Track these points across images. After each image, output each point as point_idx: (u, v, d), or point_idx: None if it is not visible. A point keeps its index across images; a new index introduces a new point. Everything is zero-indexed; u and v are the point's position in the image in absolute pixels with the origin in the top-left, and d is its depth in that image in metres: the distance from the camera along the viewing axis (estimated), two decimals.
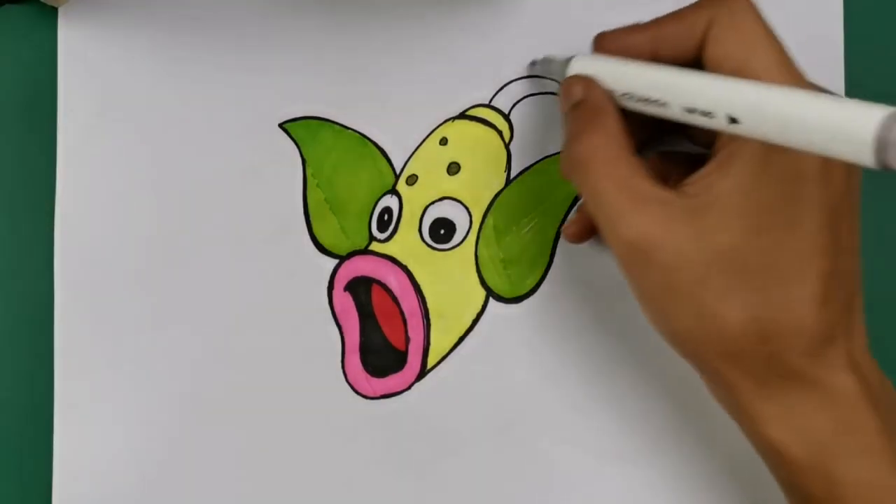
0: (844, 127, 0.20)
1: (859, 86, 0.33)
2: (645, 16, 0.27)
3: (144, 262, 0.33)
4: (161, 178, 0.33)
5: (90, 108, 0.33)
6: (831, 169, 0.24)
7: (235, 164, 0.33)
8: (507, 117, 0.33)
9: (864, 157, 0.19)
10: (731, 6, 0.25)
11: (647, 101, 0.25)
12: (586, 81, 0.27)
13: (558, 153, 0.33)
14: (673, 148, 0.29)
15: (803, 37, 0.33)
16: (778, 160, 0.23)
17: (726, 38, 0.24)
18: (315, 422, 0.33)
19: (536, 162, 0.33)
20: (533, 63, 0.33)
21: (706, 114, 0.23)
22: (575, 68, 0.28)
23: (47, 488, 0.33)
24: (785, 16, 0.33)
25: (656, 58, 0.26)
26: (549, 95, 0.33)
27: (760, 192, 0.23)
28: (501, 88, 0.33)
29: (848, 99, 0.20)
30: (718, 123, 0.23)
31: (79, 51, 0.33)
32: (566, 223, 0.29)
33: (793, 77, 0.24)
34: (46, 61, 0.34)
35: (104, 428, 0.33)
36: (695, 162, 0.25)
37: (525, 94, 0.33)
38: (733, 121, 0.22)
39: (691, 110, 0.24)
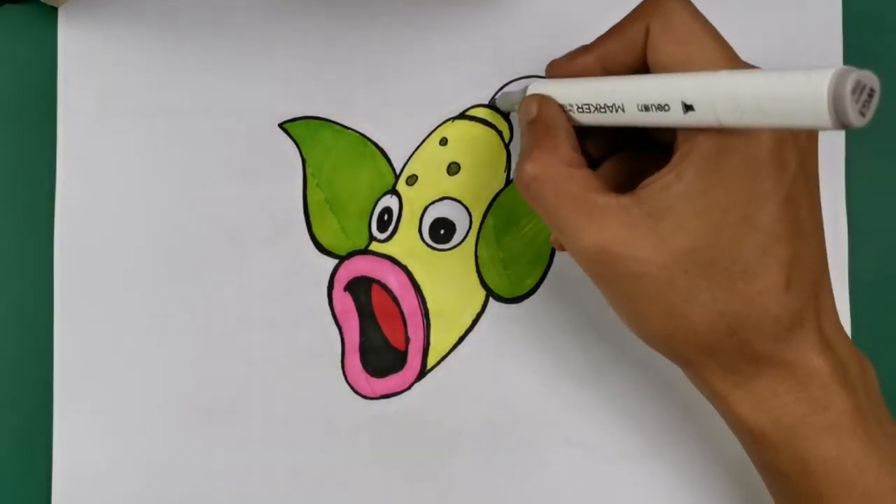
0: (797, 92, 0.20)
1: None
2: None
3: (144, 262, 0.33)
4: (161, 178, 0.33)
5: (90, 108, 0.33)
6: (783, 158, 0.24)
7: (235, 164, 0.33)
8: (507, 117, 0.33)
9: (821, 118, 0.19)
10: (663, 9, 0.25)
11: (603, 108, 0.25)
12: (541, 99, 0.27)
13: None
14: (635, 153, 0.29)
15: (803, 37, 0.33)
16: (730, 158, 0.23)
17: (664, 41, 0.25)
18: (315, 422, 0.33)
19: None
20: (493, 101, 0.33)
21: (661, 107, 0.23)
22: (531, 91, 0.28)
23: (47, 488, 0.33)
24: (785, 16, 0.33)
25: (607, 74, 0.27)
26: None
27: (715, 190, 0.24)
28: (501, 88, 0.33)
29: (794, 69, 0.20)
30: (675, 116, 0.23)
31: (79, 51, 0.33)
32: (553, 235, 0.29)
33: (737, 66, 0.24)
34: (46, 61, 0.34)
35: (104, 428, 0.33)
36: (659, 164, 0.26)
37: (525, 95, 0.33)
38: (688, 108, 0.23)
39: (647, 107, 0.24)
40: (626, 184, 0.27)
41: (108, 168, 0.33)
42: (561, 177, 0.25)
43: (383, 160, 0.34)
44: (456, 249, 0.33)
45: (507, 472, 0.33)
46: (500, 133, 0.33)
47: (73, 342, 0.33)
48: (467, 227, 0.33)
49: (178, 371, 0.33)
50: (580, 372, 0.33)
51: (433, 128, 0.34)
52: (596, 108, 0.26)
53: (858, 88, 0.19)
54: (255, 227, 0.33)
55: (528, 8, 0.33)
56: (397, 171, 0.34)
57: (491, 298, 0.33)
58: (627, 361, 0.33)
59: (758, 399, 0.25)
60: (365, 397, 0.33)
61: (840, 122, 0.19)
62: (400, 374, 0.33)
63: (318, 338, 0.33)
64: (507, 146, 0.33)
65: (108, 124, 0.33)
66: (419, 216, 0.33)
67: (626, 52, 0.26)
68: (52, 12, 0.33)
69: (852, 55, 0.33)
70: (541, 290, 0.33)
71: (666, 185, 0.24)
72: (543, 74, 0.33)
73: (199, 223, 0.33)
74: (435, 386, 0.33)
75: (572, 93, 0.27)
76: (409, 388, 0.33)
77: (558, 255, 0.33)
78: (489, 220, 0.33)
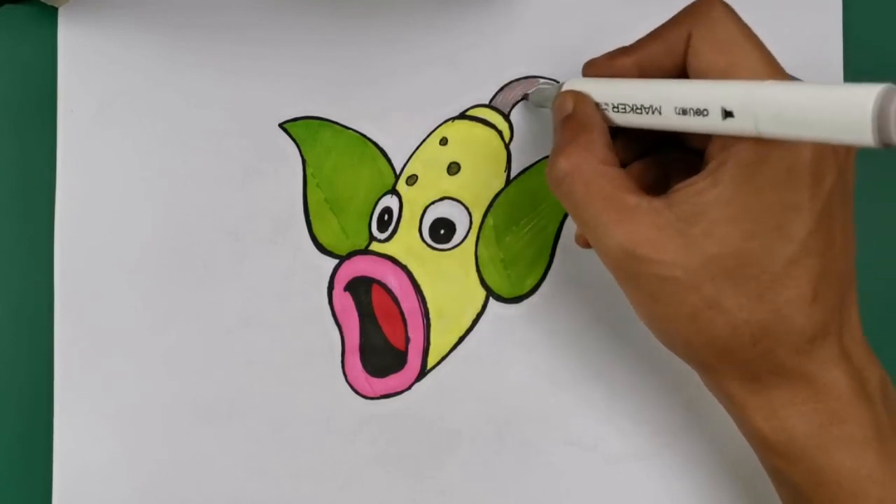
0: (841, 106, 0.19)
1: None
2: (644, 15, 0.27)
3: (144, 262, 0.33)
4: (161, 178, 0.33)
5: (90, 108, 0.33)
6: (822, 170, 0.24)
7: (235, 164, 0.34)
8: (507, 117, 0.33)
9: (864, 135, 0.19)
10: (707, 16, 0.25)
11: (640, 109, 0.25)
12: (577, 96, 0.27)
13: None
14: (665, 155, 0.29)
15: (803, 37, 0.33)
16: (768, 167, 0.23)
17: (706, 48, 0.25)
18: (315, 422, 0.33)
19: (536, 162, 0.33)
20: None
21: (700, 112, 0.23)
22: (567, 88, 0.28)
23: (47, 488, 0.33)
24: (785, 16, 0.33)
25: (645, 77, 0.27)
26: None
27: (750, 199, 0.23)
28: (502, 89, 0.33)
29: (840, 83, 0.20)
30: (713, 122, 0.23)
31: (79, 51, 0.33)
32: (577, 232, 0.29)
33: (780, 76, 0.24)
34: (46, 61, 0.34)
35: (104, 428, 0.33)
36: (688, 170, 0.26)
37: (525, 95, 0.33)
38: (728, 115, 0.22)
39: (685, 111, 0.24)
40: (654, 186, 0.26)
41: (108, 168, 0.33)
42: (593, 174, 0.25)
43: (383, 160, 0.34)
44: (456, 249, 0.33)
45: (507, 471, 0.33)
46: (500, 133, 0.33)
47: (73, 342, 0.33)
48: (467, 227, 0.33)
49: (178, 371, 0.33)
50: (580, 372, 0.33)
51: (433, 128, 0.34)
52: (632, 109, 0.25)
53: None
54: (256, 227, 0.33)
55: (527, 8, 0.33)
56: (397, 171, 0.34)
57: (491, 298, 0.33)
58: (627, 361, 0.33)
59: (774, 408, 0.25)
60: (365, 397, 0.33)
61: (882, 141, 0.19)
62: (400, 374, 0.33)
63: (318, 338, 0.33)
64: (507, 146, 0.33)
65: (108, 124, 0.33)
66: (419, 216, 0.33)
67: (666, 57, 0.26)
68: (52, 12, 0.33)
69: (852, 55, 0.33)
70: (541, 290, 0.33)
71: (700, 191, 0.24)
72: (543, 75, 0.33)
73: (200, 223, 0.33)
74: (435, 386, 0.33)
75: (609, 92, 0.26)
76: (409, 388, 0.33)
77: (558, 255, 0.33)
78: (489, 220, 0.33)
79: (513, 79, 0.33)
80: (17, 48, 0.34)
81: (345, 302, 0.33)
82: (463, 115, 0.33)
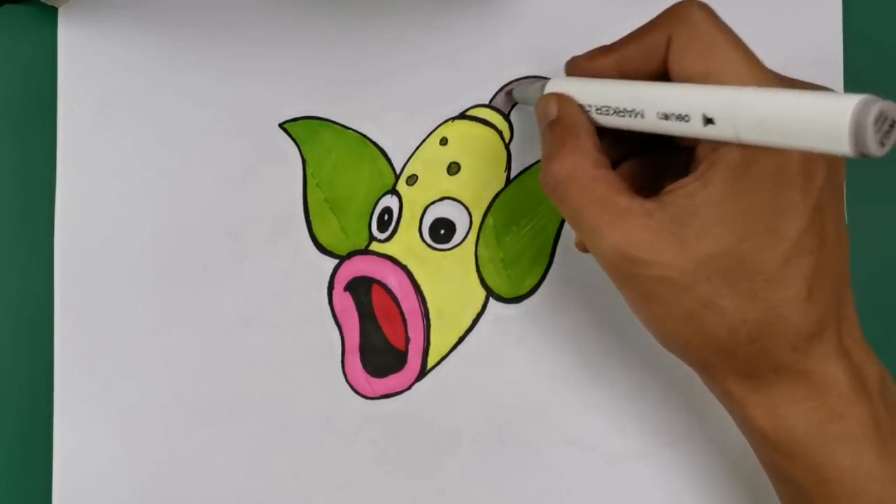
0: (819, 117, 0.20)
1: (858, 85, 0.33)
2: (645, 14, 0.27)
3: (144, 262, 0.33)
4: (161, 178, 0.33)
5: (90, 108, 0.33)
6: (812, 168, 0.24)
7: (235, 164, 0.34)
8: (507, 117, 0.33)
9: (842, 145, 0.19)
10: (686, 20, 0.25)
11: (622, 112, 0.25)
12: (561, 99, 0.27)
13: None
14: (656, 155, 0.29)
15: (803, 37, 0.33)
16: (758, 167, 0.23)
17: (687, 53, 0.24)
18: (315, 422, 0.33)
19: (536, 162, 0.33)
20: (509, 91, 0.33)
21: (681, 117, 0.23)
22: (550, 88, 0.28)
23: (47, 488, 0.33)
24: (785, 16, 0.33)
25: (625, 78, 0.26)
26: None
27: (741, 199, 0.23)
28: (501, 89, 0.33)
29: (820, 91, 0.20)
30: (694, 127, 0.23)
31: (79, 51, 0.33)
32: (577, 238, 0.29)
33: (763, 78, 0.24)
34: (46, 61, 0.34)
35: (104, 428, 0.33)
36: (679, 169, 0.26)
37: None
38: (709, 121, 0.22)
39: (667, 116, 0.24)
40: (645, 186, 0.26)
41: (108, 168, 0.33)
42: (586, 177, 0.25)
43: (383, 160, 0.34)
44: (456, 249, 0.34)
45: (506, 471, 0.33)
46: (500, 133, 0.33)
47: (73, 342, 0.33)
48: (467, 227, 0.33)
49: (178, 371, 0.33)
50: (580, 372, 0.33)
51: (433, 128, 0.34)
52: (615, 112, 0.25)
53: (881, 119, 0.19)
54: (256, 227, 0.33)
55: (527, 8, 0.34)
56: (397, 171, 0.34)
57: (491, 298, 0.33)
58: (627, 361, 0.33)
59: (774, 405, 0.25)
60: (365, 397, 0.33)
61: (859, 151, 0.19)
62: (400, 374, 0.33)
63: (318, 338, 0.33)
64: (507, 146, 0.33)
65: (108, 124, 0.33)
66: (419, 216, 0.33)
67: (646, 60, 0.26)
68: (52, 12, 0.33)
69: (852, 55, 0.33)
70: (541, 290, 0.33)
71: (691, 192, 0.24)
72: (543, 75, 0.33)
73: (200, 223, 0.33)
74: (435, 386, 0.33)
75: (592, 93, 0.26)
76: (409, 388, 0.33)
77: (558, 255, 0.33)
78: (489, 220, 0.33)
79: (513, 79, 0.33)
80: (17, 48, 0.34)
81: (345, 302, 0.33)
82: (463, 115, 0.34)
